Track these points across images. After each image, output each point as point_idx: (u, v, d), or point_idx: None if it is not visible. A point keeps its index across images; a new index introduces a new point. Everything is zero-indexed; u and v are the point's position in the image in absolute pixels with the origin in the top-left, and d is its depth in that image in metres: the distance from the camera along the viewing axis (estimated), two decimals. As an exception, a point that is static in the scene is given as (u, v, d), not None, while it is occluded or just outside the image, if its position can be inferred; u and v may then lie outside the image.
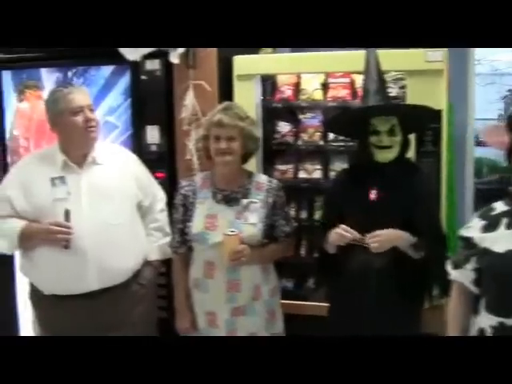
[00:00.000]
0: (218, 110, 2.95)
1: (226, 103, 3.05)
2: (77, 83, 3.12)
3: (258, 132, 3.09)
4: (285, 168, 3.76)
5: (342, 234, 2.78)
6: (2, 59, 3.89)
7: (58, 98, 2.98)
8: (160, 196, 3.26)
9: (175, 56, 3.42)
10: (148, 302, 3.17)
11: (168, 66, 3.53)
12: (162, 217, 3.23)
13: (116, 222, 2.99)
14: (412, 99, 3.19)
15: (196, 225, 2.97)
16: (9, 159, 4.03)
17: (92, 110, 3.01)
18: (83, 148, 3.01)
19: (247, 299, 2.98)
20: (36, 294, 3.10)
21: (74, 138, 2.99)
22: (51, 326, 3.07)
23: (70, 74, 3.75)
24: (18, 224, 2.98)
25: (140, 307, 3.10)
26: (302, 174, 3.75)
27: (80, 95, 2.98)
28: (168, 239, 3.18)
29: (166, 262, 3.34)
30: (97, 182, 3.01)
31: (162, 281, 3.49)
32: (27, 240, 2.98)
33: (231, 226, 2.90)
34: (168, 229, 3.21)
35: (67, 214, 2.90)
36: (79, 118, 2.94)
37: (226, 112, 2.93)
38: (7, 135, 4.02)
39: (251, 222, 2.95)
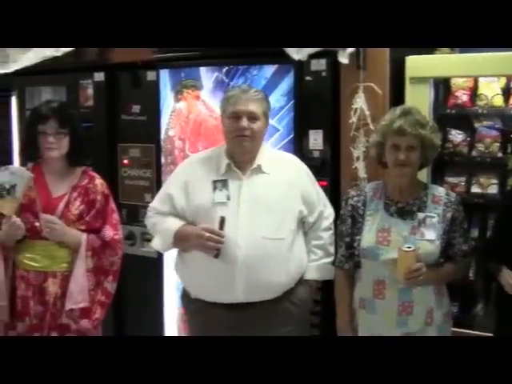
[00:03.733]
0: (397, 116, 2.70)
1: (404, 107, 2.79)
2: (249, 86, 2.99)
3: (438, 139, 2.80)
4: (456, 181, 3.45)
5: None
6: (160, 58, 3.82)
7: (224, 98, 2.94)
8: (327, 213, 3.02)
9: (344, 56, 3.19)
10: (299, 321, 2.95)
11: (335, 67, 3.31)
12: (326, 235, 2.98)
13: (274, 236, 2.82)
14: None
15: (366, 239, 2.74)
16: (163, 160, 3.95)
17: (254, 119, 2.84)
18: (237, 155, 2.90)
19: (420, 324, 2.73)
20: (186, 296, 3.04)
21: (228, 143, 2.91)
22: (198, 329, 3.01)
23: (230, 73, 3.62)
24: (176, 224, 2.91)
25: (290, 326, 2.89)
26: (475, 189, 3.42)
27: (243, 100, 2.84)
28: (330, 259, 2.96)
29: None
30: (259, 192, 2.86)
31: (317, 296, 3.25)
32: (181, 241, 2.91)
33: (406, 241, 2.66)
34: (331, 249, 2.98)
35: (222, 221, 2.78)
36: (234, 125, 2.83)
37: (406, 118, 2.68)
38: (162, 136, 3.94)
39: (428, 238, 2.69)
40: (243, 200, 2.84)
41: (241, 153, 2.88)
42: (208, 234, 2.77)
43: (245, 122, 2.81)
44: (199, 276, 2.90)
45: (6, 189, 2.99)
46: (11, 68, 4.24)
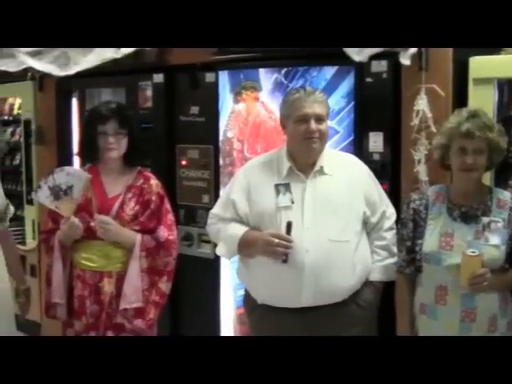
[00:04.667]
0: (464, 118, 2.63)
1: (470, 109, 2.72)
2: (313, 88, 2.96)
3: (505, 143, 2.72)
4: (521, 185, 3.33)
5: None
6: (219, 59, 3.81)
7: (287, 101, 2.89)
8: (389, 213, 2.98)
9: (406, 57, 3.11)
10: (365, 324, 2.92)
11: (396, 68, 3.23)
12: (389, 235, 2.95)
13: (340, 238, 2.80)
14: None
15: (429, 243, 2.68)
16: (221, 161, 3.94)
17: (320, 120, 2.81)
18: (303, 157, 2.87)
19: (483, 331, 2.64)
20: (250, 301, 3.02)
21: (294, 146, 2.87)
22: (263, 334, 2.97)
23: (289, 74, 3.58)
24: (240, 230, 2.89)
25: (356, 328, 2.85)
26: (541, 193, 3.29)
27: (309, 103, 2.81)
28: (394, 260, 2.91)
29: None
30: (322, 194, 2.83)
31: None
32: (246, 247, 2.89)
33: (470, 246, 2.58)
34: (395, 249, 2.93)
35: (289, 226, 2.75)
36: (301, 127, 2.80)
37: (473, 121, 2.61)
38: (221, 137, 3.93)
39: (493, 243, 2.61)
40: (307, 203, 2.82)
41: (310, 155, 2.85)
42: (277, 240, 2.74)
43: (313, 125, 2.79)
44: (266, 282, 2.88)
45: (62, 190, 3.02)
46: (72, 70, 4.29)
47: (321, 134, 2.82)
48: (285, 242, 2.73)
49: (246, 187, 2.92)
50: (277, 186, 2.84)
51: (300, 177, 2.86)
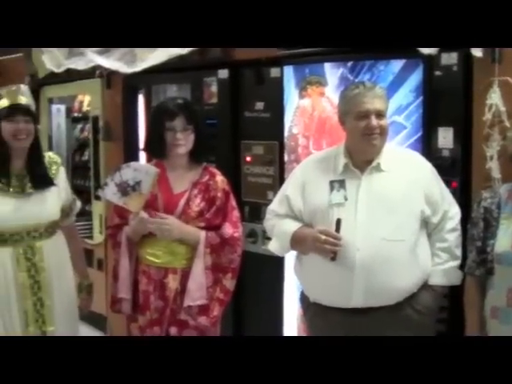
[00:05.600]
0: None
1: None
2: (372, 83, 2.94)
3: None
4: None
5: None
6: (285, 54, 3.77)
7: (346, 97, 2.83)
8: (452, 213, 2.87)
9: (478, 49, 3.01)
10: (422, 329, 2.81)
11: (467, 60, 3.12)
12: (451, 237, 2.84)
13: (394, 237, 2.72)
14: None
15: (501, 243, 2.57)
16: (286, 157, 3.89)
17: (381, 116, 2.77)
18: (363, 154, 2.82)
19: (560, 337, 2.51)
20: (305, 299, 3.00)
21: (354, 142, 2.83)
22: (316, 334, 2.97)
23: (356, 68, 3.50)
24: (293, 227, 2.88)
25: (411, 334, 2.75)
26: None
27: (369, 98, 2.75)
28: (456, 263, 2.83)
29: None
30: (377, 191, 2.77)
31: (444, 303, 3.09)
32: (297, 244, 2.89)
33: None
34: (458, 251, 2.84)
35: (338, 223, 2.71)
36: (361, 124, 2.75)
37: None
38: (286, 133, 3.89)
39: None
40: (361, 200, 2.76)
41: (370, 151, 2.80)
42: (324, 237, 2.71)
43: (374, 121, 2.74)
44: (317, 279, 2.85)
45: (130, 185, 3.02)
46: (139, 67, 4.34)
47: (381, 129, 2.77)
48: (332, 239, 2.69)
49: (302, 183, 2.91)
50: (331, 182, 2.81)
51: (356, 173, 2.81)
